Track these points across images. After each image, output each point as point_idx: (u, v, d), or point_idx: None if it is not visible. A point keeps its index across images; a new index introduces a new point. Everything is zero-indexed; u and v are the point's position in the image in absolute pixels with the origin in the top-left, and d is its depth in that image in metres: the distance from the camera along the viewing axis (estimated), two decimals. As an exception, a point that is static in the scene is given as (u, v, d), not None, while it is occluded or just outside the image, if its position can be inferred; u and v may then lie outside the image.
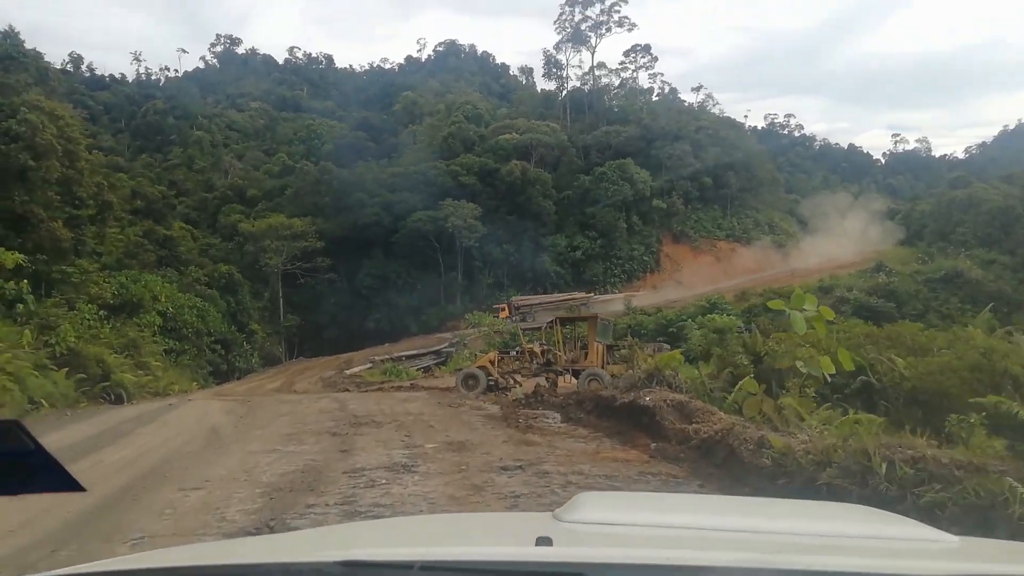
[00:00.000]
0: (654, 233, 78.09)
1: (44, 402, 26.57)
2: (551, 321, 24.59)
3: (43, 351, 30.71)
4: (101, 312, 43.58)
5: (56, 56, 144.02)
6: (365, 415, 13.48)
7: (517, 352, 24.99)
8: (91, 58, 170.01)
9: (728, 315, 42.30)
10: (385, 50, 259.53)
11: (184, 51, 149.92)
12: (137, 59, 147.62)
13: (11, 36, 40.04)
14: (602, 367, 23.28)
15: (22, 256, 33.74)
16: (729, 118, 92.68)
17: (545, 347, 24.72)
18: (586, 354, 23.60)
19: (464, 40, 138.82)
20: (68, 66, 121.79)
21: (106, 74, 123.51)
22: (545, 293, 68.90)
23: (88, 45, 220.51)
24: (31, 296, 33.61)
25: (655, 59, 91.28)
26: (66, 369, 31.44)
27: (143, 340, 44.01)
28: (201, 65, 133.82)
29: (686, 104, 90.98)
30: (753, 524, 2.10)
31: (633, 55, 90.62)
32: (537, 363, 24.11)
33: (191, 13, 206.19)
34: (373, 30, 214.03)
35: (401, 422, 12.69)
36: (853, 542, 1.93)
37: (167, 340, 49.39)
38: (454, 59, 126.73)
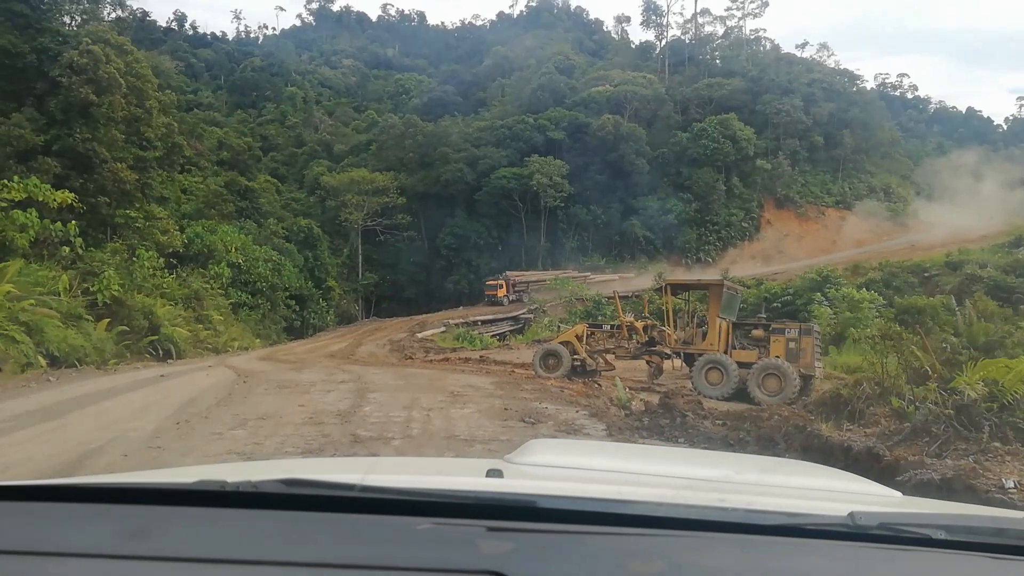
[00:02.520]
0: (755, 197, 69.92)
1: (65, 356, 22.73)
2: (659, 288, 18.50)
3: (82, 299, 27.04)
4: (166, 260, 40.20)
5: (162, 15, 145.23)
6: (378, 427, 8.01)
7: (612, 327, 19.10)
8: (194, 16, 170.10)
9: (869, 289, 34.91)
10: (477, 6, 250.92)
11: (282, 8, 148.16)
12: (237, 17, 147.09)
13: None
14: (726, 351, 17.14)
15: (72, 195, 29.86)
16: (847, 69, 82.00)
17: (649, 321, 18.73)
18: (704, 334, 17.52)
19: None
20: (173, 24, 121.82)
21: (208, 32, 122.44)
22: (602, 265, 62.41)
23: (192, 4, 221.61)
24: (79, 239, 29.77)
25: (765, 4, 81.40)
26: (107, 320, 27.81)
27: (207, 292, 40.42)
28: (297, 23, 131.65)
29: (798, 56, 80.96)
30: (695, 472, 2.07)
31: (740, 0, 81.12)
32: (637, 341, 18.19)
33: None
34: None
35: (431, 447, 7.29)
36: (800, 491, 1.91)
37: (239, 293, 45.90)
38: (547, 15, 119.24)
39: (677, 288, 18.72)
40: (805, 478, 2.15)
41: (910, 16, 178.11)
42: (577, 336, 18.99)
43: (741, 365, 16.84)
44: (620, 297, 53.36)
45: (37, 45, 33.97)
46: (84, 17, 36.98)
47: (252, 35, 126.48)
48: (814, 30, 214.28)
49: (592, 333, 19.27)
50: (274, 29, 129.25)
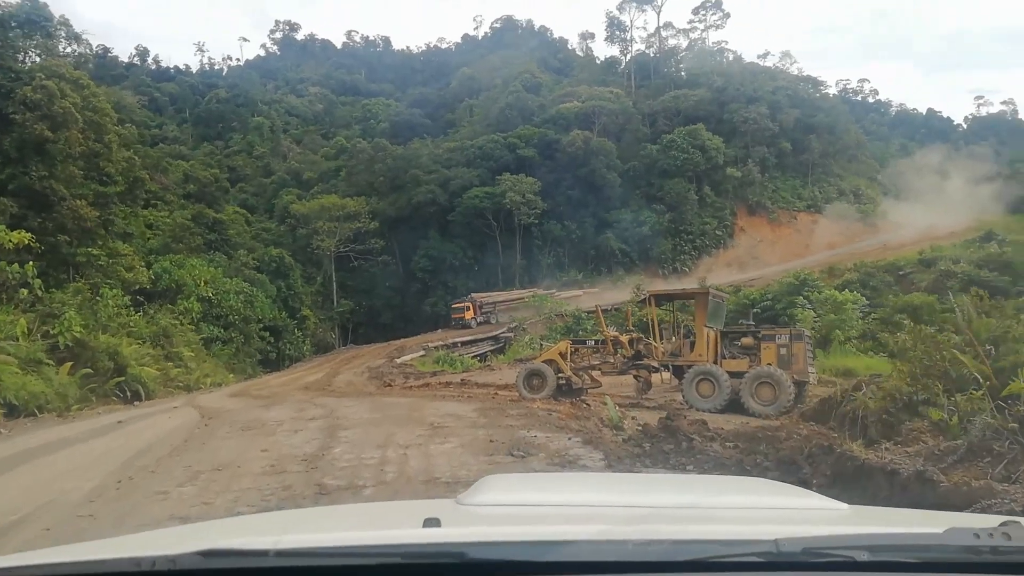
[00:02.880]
0: (728, 205, 69.96)
1: (24, 404, 21.47)
2: (642, 300, 17.83)
3: (41, 343, 25.73)
4: (132, 298, 38.81)
5: (123, 50, 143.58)
6: (349, 472, 7.11)
7: (596, 342, 18.36)
8: (157, 50, 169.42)
9: (848, 290, 34.56)
10: (442, 30, 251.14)
11: (245, 39, 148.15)
12: (201, 50, 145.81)
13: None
14: (716, 361, 16.46)
15: (29, 235, 28.63)
16: (810, 76, 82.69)
17: (634, 335, 18.01)
18: (692, 344, 16.83)
19: (521, 15, 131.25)
20: (135, 59, 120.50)
21: (171, 66, 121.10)
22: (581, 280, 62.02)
23: (155, 38, 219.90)
24: (38, 280, 28.46)
25: (727, 15, 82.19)
26: (70, 364, 26.48)
27: (177, 329, 39.07)
28: (262, 53, 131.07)
29: (761, 65, 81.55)
30: (638, 500, 2.04)
31: (703, 12, 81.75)
32: (623, 356, 17.46)
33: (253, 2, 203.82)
34: (429, 11, 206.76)
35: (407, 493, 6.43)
36: (737, 512, 1.89)
37: (210, 328, 44.54)
38: (511, 35, 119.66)
39: (661, 298, 18.04)
40: (748, 497, 2.13)
41: (868, 23, 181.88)
42: (560, 354, 18.22)
43: (732, 375, 16.18)
44: (601, 311, 53.02)
45: (-12, 82, 32.78)
46: (39, 54, 35.75)
47: (216, 67, 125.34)
48: (774, 41, 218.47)
49: (576, 350, 18.51)
50: (238, 60, 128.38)
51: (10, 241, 27.28)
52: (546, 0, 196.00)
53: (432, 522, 1.59)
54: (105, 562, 1.41)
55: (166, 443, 9.58)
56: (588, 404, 13.87)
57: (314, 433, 9.64)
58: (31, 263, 27.98)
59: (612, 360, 17.81)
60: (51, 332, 26.32)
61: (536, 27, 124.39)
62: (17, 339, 24.61)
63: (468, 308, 53.03)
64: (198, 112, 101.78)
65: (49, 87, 32.25)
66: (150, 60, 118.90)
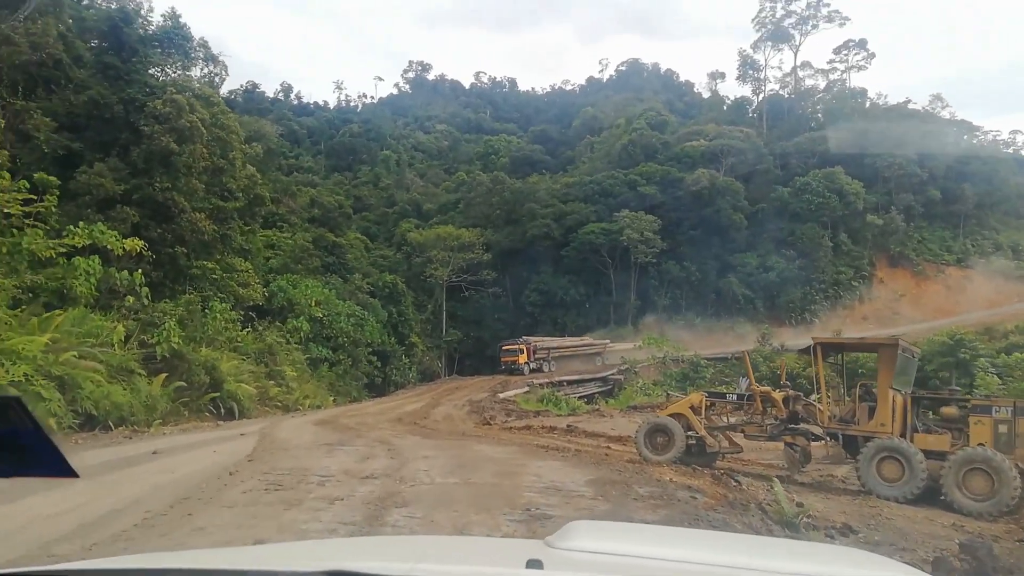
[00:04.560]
0: (866, 254, 63.12)
1: (105, 415, 19.87)
2: (806, 348, 13.83)
3: (137, 352, 24.46)
4: (245, 314, 37.97)
5: (270, 87, 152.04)
6: None
7: (740, 397, 14.47)
8: (299, 87, 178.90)
9: (1010, 354, 28.68)
10: (567, 72, 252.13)
11: (380, 79, 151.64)
12: (339, 87, 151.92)
13: (172, 18, 35.11)
14: (904, 436, 12.25)
15: (141, 243, 27.81)
16: (965, 121, 74.16)
17: (790, 392, 14.01)
18: (872, 410, 12.65)
19: (647, 59, 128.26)
20: (279, 95, 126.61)
21: (311, 101, 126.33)
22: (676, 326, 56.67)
23: (298, 76, 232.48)
24: (145, 288, 27.50)
25: (871, 56, 75.43)
26: (164, 375, 25.11)
27: (282, 347, 37.77)
28: (395, 91, 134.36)
29: (908, 107, 74.07)
30: (741, 561, 1.93)
31: (844, 52, 75.56)
32: (775, 417, 13.50)
33: (387, 43, 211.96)
34: (557, 56, 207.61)
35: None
36: None
37: (319, 348, 43.26)
38: (636, 78, 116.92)
39: (829, 348, 13.93)
40: (837, 567, 2.05)
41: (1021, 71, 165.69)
42: (693, 407, 14.47)
43: (928, 455, 11.90)
44: (712, 359, 47.73)
45: (125, 96, 32.92)
46: (175, 71, 36.03)
47: (352, 103, 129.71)
48: (919, 87, 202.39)
49: (712, 404, 14.70)
50: (372, 98, 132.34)
51: (122, 248, 26.50)
52: (674, 44, 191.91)
53: (535, 564, 1.59)
54: (246, 572, 1.40)
55: (155, 501, 6.87)
56: (737, 482, 10.13)
57: (355, 508, 6.62)
58: (139, 271, 27.07)
59: (760, 421, 13.88)
60: (149, 341, 25.14)
61: (662, 70, 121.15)
62: (113, 346, 23.44)
63: (522, 351, 47.38)
64: (332, 145, 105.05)
65: (178, 101, 31.98)
66: (292, 96, 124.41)
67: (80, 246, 25.09)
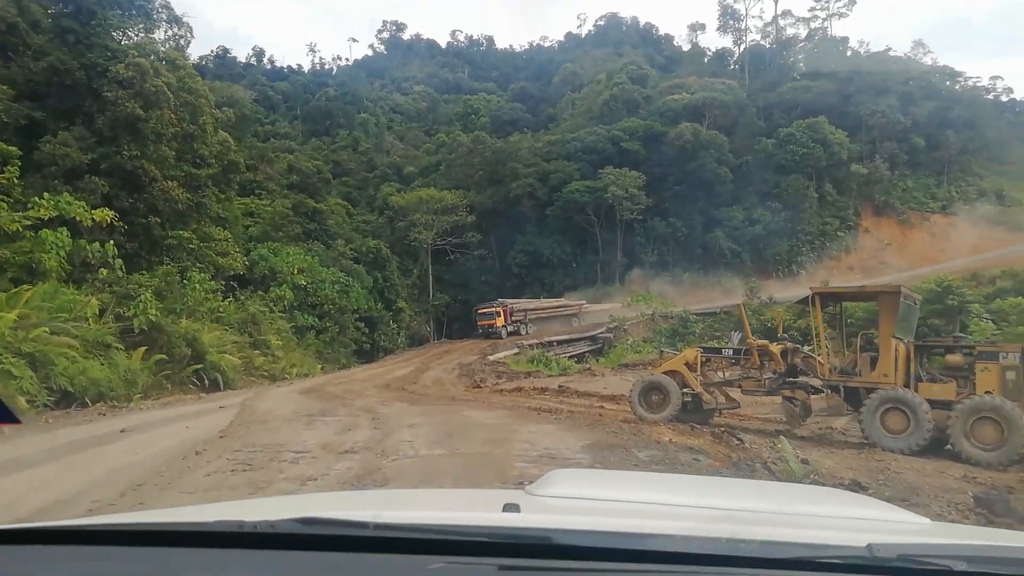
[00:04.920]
0: (852, 204, 62.74)
1: (82, 391, 19.13)
2: (804, 299, 13.30)
3: (113, 326, 23.61)
4: (226, 284, 37.06)
5: (241, 52, 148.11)
6: None
7: (736, 352, 13.97)
8: (272, 51, 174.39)
9: (1000, 299, 28.48)
10: (545, 29, 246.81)
11: (355, 40, 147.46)
12: (312, 50, 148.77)
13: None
14: (908, 386, 11.81)
15: (111, 213, 26.76)
16: (947, 67, 73.08)
17: (788, 344, 13.53)
18: (874, 360, 12.17)
19: (626, 13, 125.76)
20: (252, 59, 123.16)
21: (285, 66, 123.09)
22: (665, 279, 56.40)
23: (270, 40, 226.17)
24: (118, 260, 26.53)
25: (852, 2, 74.15)
26: (143, 349, 24.31)
27: (266, 316, 36.96)
28: (370, 53, 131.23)
29: (890, 55, 73.02)
30: (717, 502, 1.98)
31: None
32: (774, 371, 13.05)
33: (360, 2, 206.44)
34: (535, 11, 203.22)
35: None
36: (823, 520, 1.81)
37: (305, 316, 42.48)
38: (615, 32, 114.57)
39: (828, 299, 13.34)
40: (828, 507, 2.06)
41: (1003, 17, 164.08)
42: (688, 364, 13.97)
43: (934, 405, 11.48)
44: (701, 314, 47.40)
45: (86, 61, 31.41)
46: (137, 33, 34.41)
47: (327, 67, 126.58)
48: (900, 34, 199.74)
49: (707, 360, 14.20)
50: (347, 60, 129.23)
51: (89, 218, 25.43)
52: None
53: (512, 507, 1.61)
54: (207, 523, 1.43)
55: (112, 485, 6.23)
56: (741, 440, 9.64)
57: (329, 490, 6.03)
58: (111, 242, 26.05)
59: (758, 375, 13.41)
60: (125, 315, 24.29)
61: (641, 24, 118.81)
62: (87, 320, 22.58)
63: (498, 314, 46.51)
64: (308, 109, 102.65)
65: (142, 64, 30.57)
66: (265, 60, 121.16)
67: (47, 218, 24.04)
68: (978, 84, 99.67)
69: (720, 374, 14.33)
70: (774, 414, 15.74)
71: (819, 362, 12.77)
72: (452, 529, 1.38)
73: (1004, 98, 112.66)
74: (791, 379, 13.11)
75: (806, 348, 14.28)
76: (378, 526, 1.35)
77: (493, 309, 46.99)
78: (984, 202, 63.93)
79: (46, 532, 1.44)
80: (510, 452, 7.71)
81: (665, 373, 14.05)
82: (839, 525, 1.75)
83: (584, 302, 52.67)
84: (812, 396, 13.11)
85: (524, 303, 49.73)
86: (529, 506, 1.70)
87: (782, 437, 9.84)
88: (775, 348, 13.27)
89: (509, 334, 45.37)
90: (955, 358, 11.94)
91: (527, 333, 46.01)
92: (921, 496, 8.78)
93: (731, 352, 14.12)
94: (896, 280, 51.35)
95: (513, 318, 46.90)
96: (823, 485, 7.45)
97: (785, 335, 14.85)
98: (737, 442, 9.61)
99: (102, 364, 21.09)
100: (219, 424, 10.80)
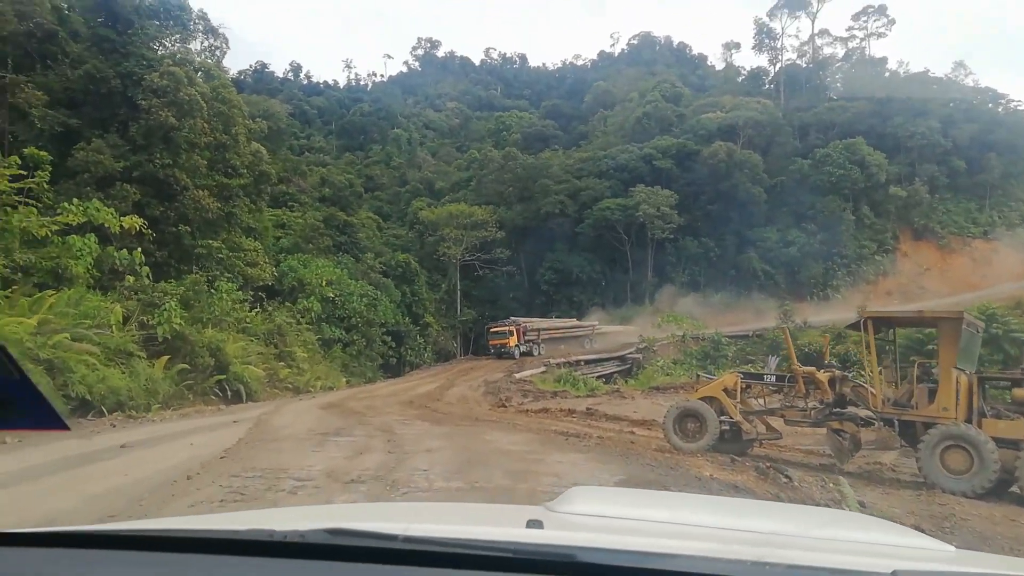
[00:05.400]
0: (889, 227, 60.93)
1: (101, 399, 18.72)
2: (855, 323, 12.29)
3: (136, 333, 23.27)
4: (255, 294, 36.84)
5: (279, 66, 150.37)
6: None
7: (780, 379, 13.00)
8: (309, 67, 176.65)
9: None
10: (578, 47, 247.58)
11: (390, 56, 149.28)
12: (348, 66, 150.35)
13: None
14: (971, 421, 10.75)
15: (140, 220, 26.55)
16: (990, 88, 70.91)
17: (836, 372, 12.52)
18: (932, 392, 11.12)
19: (659, 32, 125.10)
20: (289, 74, 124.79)
21: (321, 81, 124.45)
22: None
23: (307, 55, 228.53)
24: (145, 268, 26.33)
25: (892, 22, 72.38)
26: (166, 358, 23.94)
27: (292, 328, 36.57)
28: (404, 69, 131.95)
29: (930, 75, 71.30)
30: (741, 524, 1.92)
31: (864, 19, 72.59)
32: (821, 401, 12.05)
33: (397, 20, 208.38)
34: (567, 28, 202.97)
35: None
36: (846, 544, 1.76)
37: (332, 329, 42.08)
38: (648, 51, 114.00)
39: (881, 323, 12.29)
40: (852, 531, 2.02)
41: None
42: (726, 390, 13.03)
43: (1000, 443, 10.40)
44: (733, 336, 45.82)
45: (122, 70, 31.61)
46: (173, 43, 34.57)
47: (362, 82, 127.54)
48: (940, 55, 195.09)
49: (747, 387, 13.24)
50: (382, 76, 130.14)
51: (120, 225, 25.26)
52: (686, 15, 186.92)
53: (535, 523, 1.61)
54: (239, 532, 1.45)
55: (82, 516, 5.56)
56: (789, 477, 8.70)
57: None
58: (138, 250, 25.89)
59: (802, 405, 12.41)
60: (149, 323, 23.98)
61: (675, 43, 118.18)
62: (111, 328, 22.28)
63: (511, 333, 44.10)
64: (342, 124, 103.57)
65: (176, 74, 30.60)
66: (302, 75, 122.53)
67: (75, 224, 23.94)
68: (1019, 108, 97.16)
69: (761, 402, 13.35)
70: (816, 445, 14.70)
71: (871, 392, 11.74)
72: (479, 544, 1.36)
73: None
74: (839, 410, 12.10)
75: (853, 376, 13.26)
76: (407, 539, 1.34)
77: (506, 328, 45.15)
78: (1029, 228, 61.66)
79: (79, 536, 1.44)
80: (535, 488, 6.85)
81: (702, 399, 13.12)
82: (865, 551, 1.71)
83: (597, 323, 51.21)
84: (861, 428, 12.06)
85: (537, 322, 47.96)
86: (552, 523, 1.70)
87: (841, 479, 8.86)
88: (822, 376, 12.28)
89: (522, 354, 43.64)
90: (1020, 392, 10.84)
91: (539, 354, 44.14)
92: (992, 547, 7.79)
93: (774, 379, 13.15)
94: (937, 307, 49.57)
95: (526, 338, 45.10)
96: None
97: (833, 361, 13.84)
98: (785, 479, 8.67)
99: (123, 372, 20.72)
100: (226, 441, 10.16)
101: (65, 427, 1.43)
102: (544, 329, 47.12)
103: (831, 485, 8.54)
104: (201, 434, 11.94)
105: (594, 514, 1.90)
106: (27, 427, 1.46)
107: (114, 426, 13.69)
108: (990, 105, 69.53)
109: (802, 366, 12.62)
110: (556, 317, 53.70)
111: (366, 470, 7.75)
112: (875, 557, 1.56)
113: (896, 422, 11.42)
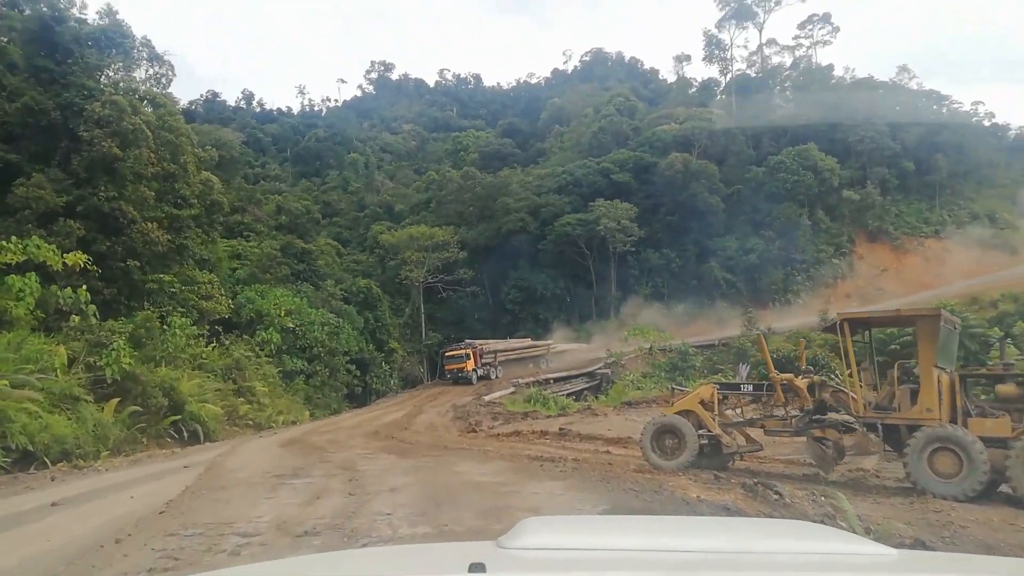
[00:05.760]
0: (845, 231, 61.95)
1: (45, 449, 17.49)
2: (831, 326, 11.94)
3: (83, 376, 21.98)
4: (211, 328, 35.49)
5: (230, 95, 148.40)
6: None
7: (757, 387, 12.58)
8: (261, 94, 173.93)
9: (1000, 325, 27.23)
10: (531, 66, 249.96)
11: (343, 81, 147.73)
12: (302, 92, 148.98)
13: (109, 15, 32.45)
14: (956, 421, 10.42)
15: (84, 257, 25.32)
16: (933, 91, 73.08)
17: (814, 378, 12.15)
18: (914, 393, 10.78)
19: (611, 48, 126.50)
20: (241, 103, 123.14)
21: (274, 108, 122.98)
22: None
23: (260, 83, 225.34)
24: (92, 306, 24.99)
25: (836, 30, 74.23)
26: (116, 400, 22.66)
27: (251, 361, 35.29)
28: (359, 93, 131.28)
29: (876, 80, 73.04)
30: (693, 544, 1.95)
31: (809, 27, 74.30)
32: (801, 408, 11.65)
33: (349, 45, 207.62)
34: (520, 47, 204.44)
35: None
36: (789, 558, 1.83)
37: (293, 360, 40.81)
38: (601, 67, 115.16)
39: (857, 325, 11.93)
40: (795, 541, 2.04)
41: (985, 43, 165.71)
42: (703, 402, 12.55)
43: (987, 443, 10.07)
44: (700, 346, 45.59)
45: (62, 101, 30.36)
46: (116, 71, 33.40)
47: (316, 108, 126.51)
48: (885, 59, 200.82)
49: (724, 398, 12.79)
50: (336, 101, 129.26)
51: (62, 263, 23.99)
52: (637, 30, 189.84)
53: (477, 567, 1.55)
54: None
55: None
56: (780, 494, 8.20)
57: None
58: (83, 288, 24.61)
59: (783, 414, 11.99)
60: (97, 364, 22.70)
61: (627, 58, 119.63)
62: (55, 372, 21.01)
63: (468, 356, 42.03)
64: (297, 151, 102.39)
65: (119, 102, 29.49)
66: (255, 103, 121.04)
67: (14, 263, 22.67)
68: (961, 109, 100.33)
69: (739, 412, 12.91)
70: (796, 455, 14.31)
71: (852, 397, 11.37)
72: None
73: (987, 123, 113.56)
74: (820, 417, 11.69)
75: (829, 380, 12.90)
76: None
77: (462, 351, 42.95)
78: (977, 225, 63.31)
79: None
80: (512, 527, 6.27)
81: (678, 413, 12.61)
82: (807, 563, 1.74)
83: (552, 342, 49.99)
84: (844, 435, 11.66)
85: (493, 344, 46.08)
86: (498, 563, 1.66)
87: (838, 493, 8.38)
88: (801, 383, 11.88)
89: (479, 378, 41.63)
90: (1008, 388, 10.54)
91: (497, 377, 42.21)
92: (998, 555, 7.34)
93: (751, 388, 12.72)
94: (894, 306, 50.21)
95: (483, 360, 43.01)
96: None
97: (810, 367, 13.48)
98: (776, 496, 8.17)
99: (69, 419, 19.42)
100: (171, 491, 9.27)
101: None
102: (501, 351, 45.45)
103: (822, 499, 8.06)
104: (145, 484, 10.99)
105: (547, 547, 1.86)
106: None
107: (54, 479, 12.61)
108: (935, 107, 71.62)
109: (779, 373, 12.20)
110: (521, 336, 53.03)
111: (321, 519, 6.98)
112: (818, 571, 1.59)
113: (880, 426, 11.05)
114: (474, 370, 41.84)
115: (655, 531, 2.34)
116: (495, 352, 44.62)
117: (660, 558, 1.78)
